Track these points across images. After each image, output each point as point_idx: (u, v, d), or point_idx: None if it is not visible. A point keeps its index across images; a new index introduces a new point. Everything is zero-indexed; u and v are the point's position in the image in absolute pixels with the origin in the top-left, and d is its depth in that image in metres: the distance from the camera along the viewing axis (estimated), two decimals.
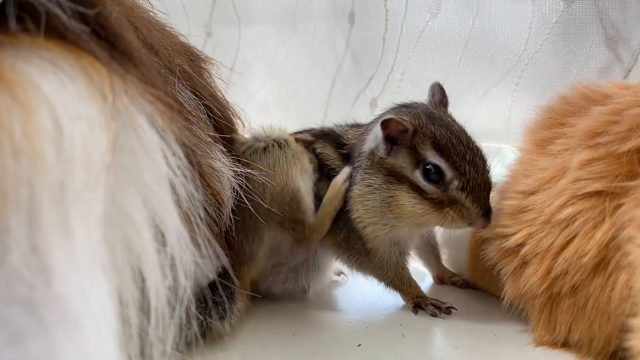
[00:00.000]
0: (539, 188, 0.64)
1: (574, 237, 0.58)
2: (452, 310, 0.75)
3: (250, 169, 0.71)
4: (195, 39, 0.82)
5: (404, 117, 0.72)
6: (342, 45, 1.17)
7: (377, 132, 0.74)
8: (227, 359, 0.64)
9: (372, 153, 0.74)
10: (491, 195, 0.72)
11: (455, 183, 0.69)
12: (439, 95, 0.78)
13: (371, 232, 0.75)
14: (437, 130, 0.71)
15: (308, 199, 0.77)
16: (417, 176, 0.71)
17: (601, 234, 0.56)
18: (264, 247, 0.77)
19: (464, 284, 0.86)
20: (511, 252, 0.66)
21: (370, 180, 0.74)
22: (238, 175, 0.69)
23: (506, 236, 0.67)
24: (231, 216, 0.69)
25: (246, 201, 0.70)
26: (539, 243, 0.62)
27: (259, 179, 0.72)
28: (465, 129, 0.74)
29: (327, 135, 0.82)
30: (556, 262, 0.59)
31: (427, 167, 0.70)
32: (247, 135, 0.80)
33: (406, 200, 0.72)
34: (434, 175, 0.70)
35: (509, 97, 1.03)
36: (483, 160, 0.72)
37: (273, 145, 0.77)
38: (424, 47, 1.07)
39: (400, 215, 0.73)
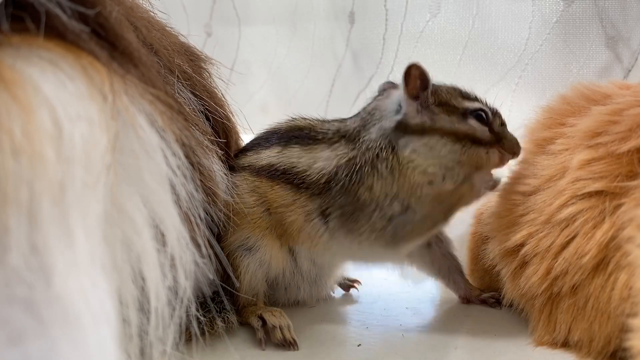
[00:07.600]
0: (539, 188, 0.64)
1: (574, 237, 0.58)
2: None
3: None
4: (195, 39, 0.82)
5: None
6: (342, 45, 1.17)
7: (396, 100, 0.69)
8: (227, 359, 0.64)
9: (401, 123, 0.67)
10: None
11: (498, 121, 0.70)
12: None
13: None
14: (451, 85, 0.72)
15: None
16: (473, 124, 0.68)
17: (601, 234, 0.56)
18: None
19: (495, 303, 0.75)
20: (511, 252, 0.66)
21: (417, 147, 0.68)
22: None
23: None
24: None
25: None
26: (539, 243, 0.62)
27: None
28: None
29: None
30: (556, 262, 0.59)
31: (478, 112, 0.69)
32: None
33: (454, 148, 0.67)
34: (483, 119, 0.69)
35: (509, 97, 1.03)
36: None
37: None
38: (424, 47, 1.07)
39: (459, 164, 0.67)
